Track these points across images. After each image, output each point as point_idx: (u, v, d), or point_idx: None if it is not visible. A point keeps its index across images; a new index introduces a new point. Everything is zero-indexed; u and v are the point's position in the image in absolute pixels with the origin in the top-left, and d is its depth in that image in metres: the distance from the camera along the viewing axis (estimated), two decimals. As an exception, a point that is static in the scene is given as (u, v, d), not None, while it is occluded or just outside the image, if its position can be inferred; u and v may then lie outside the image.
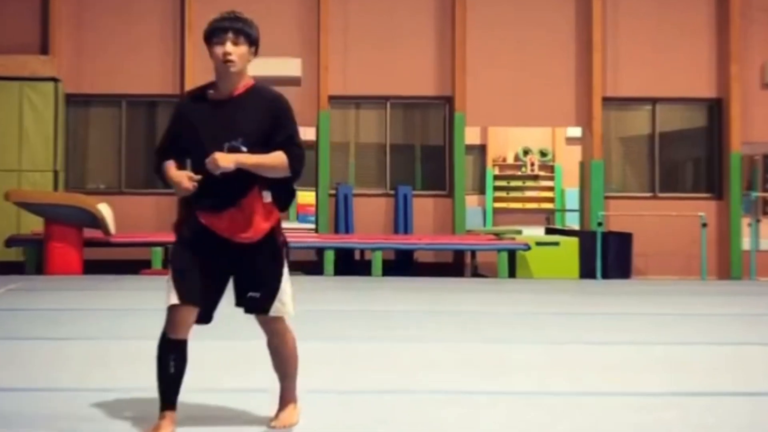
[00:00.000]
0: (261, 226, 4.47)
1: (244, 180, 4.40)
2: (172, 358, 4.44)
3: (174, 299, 4.39)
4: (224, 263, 4.47)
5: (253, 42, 4.51)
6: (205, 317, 4.49)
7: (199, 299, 4.42)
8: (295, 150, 4.42)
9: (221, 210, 4.44)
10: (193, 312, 4.42)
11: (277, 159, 4.40)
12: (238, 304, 4.55)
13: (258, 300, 4.50)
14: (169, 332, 4.42)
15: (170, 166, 4.51)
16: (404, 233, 15.28)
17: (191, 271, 4.43)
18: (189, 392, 4.97)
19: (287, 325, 4.60)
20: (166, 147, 4.59)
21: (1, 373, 6.03)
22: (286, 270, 4.57)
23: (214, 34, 4.48)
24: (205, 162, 4.34)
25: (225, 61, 4.42)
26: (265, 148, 4.40)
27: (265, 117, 4.43)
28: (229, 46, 4.42)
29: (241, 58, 4.44)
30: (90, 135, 15.90)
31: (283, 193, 4.53)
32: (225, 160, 4.32)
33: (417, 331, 8.29)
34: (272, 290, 4.50)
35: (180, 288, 4.40)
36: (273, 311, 4.50)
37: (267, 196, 4.47)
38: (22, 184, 14.53)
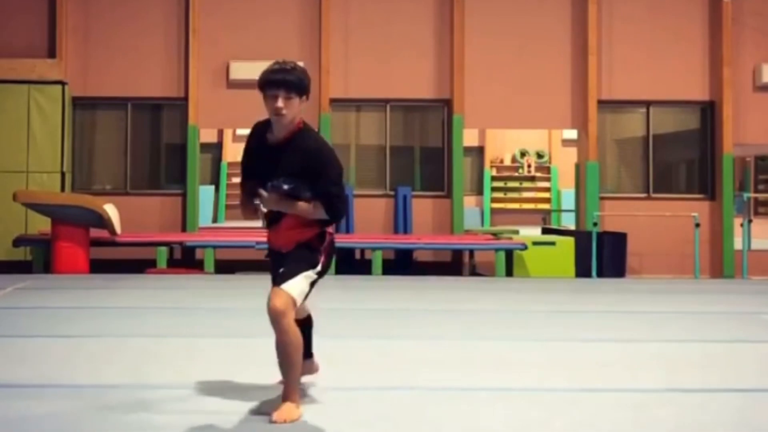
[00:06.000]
0: (295, 239, 4.93)
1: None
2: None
3: None
4: (279, 265, 4.93)
5: (303, 92, 4.84)
6: None
7: None
8: (333, 201, 4.84)
9: (273, 226, 4.98)
10: None
11: (314, 209, 4.86)
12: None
13: (278, 275, 4.81)
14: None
15: (243, 191, 5.05)
16: (404, 233, 15.34)
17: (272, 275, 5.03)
18: (200, 388, 5.18)
19: (290, 318, 4.71)
20: (243, 167, 5.09)
21: (9, 370, 6.08)
22: (312, 272, 4.86)
23: (267, 87, 4.81)
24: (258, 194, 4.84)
25: (276, 115, 4.79)
26: (309, 185, 4.81)
27: (306, 164, 4.81)
28: (280, 102, 4.76)
29: (291, 110, 4.80)
30: (96, 137, 15.98)
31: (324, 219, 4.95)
32: (268, 204, 4.83)
33: (417, 329, 8.31)
34: (293, 272, 4.79)
35: None
36: (284, 285, 4.74)
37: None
38: (30, 185, 14.62)
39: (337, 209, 4.87)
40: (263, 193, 4.81)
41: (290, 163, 4.83)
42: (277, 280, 4.79)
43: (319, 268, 4.89)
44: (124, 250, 14.28)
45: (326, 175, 4.83)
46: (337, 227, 17.10)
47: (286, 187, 4.80)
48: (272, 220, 5.00)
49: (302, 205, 4.86)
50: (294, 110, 4.82)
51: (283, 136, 4.88)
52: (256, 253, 14.44)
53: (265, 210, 4.91)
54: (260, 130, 5.02)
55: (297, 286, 4.76)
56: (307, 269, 4.83)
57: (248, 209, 4.98)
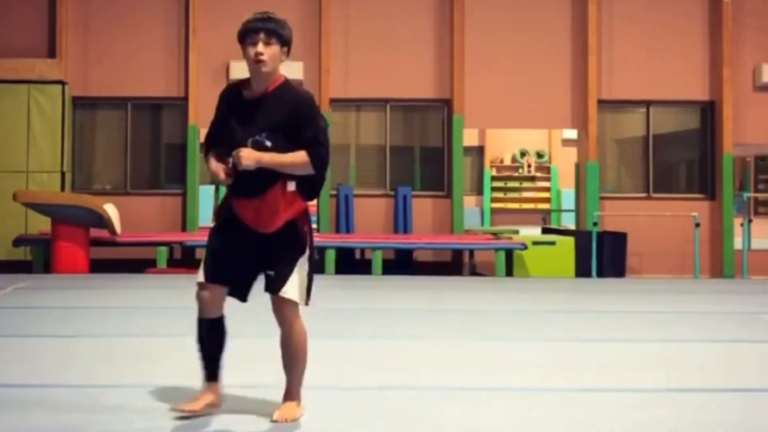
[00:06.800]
0: (281, 217, 4.55)
1: (269, 174, 4.50)
2: (206, 335, 4.67)
3: (200, 278, 4.61)
4: (251, 248, 4.59)
5: (285, 42, 4.60)
6: (239, 295, 4.65)
7: (224, 279, 4.59)
8: (317, 149, 4.51)
9: (248, 200, 4.56)
10: (219, 291, 4.61)
11: (297, 159, 4.49)
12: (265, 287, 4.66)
13: (272, 278, 4.55)
14: (200, 313, 4.64)
15: (212, 157, 4.66)
16: (404, 233, 15.35)
17: (219, 253, 4.62)
18: (198, 388, 5.16)
19: (299, 320, 4.61)
20: (210, 135, 4.74)
21: (10, 369, 6.09)
22: (303, 259, 4.59)
23: (247, 35, 4.56)
24: (232, 155, 4.50)
25: (256, 61, 4.52)
26: (291, 143, 4.49)
27: (290, 116, 4.51)
28: (260, 47, 4.51)
29: (272, 58, 4.54)
30: (96, 137, 15.98)
31: (308, 184, 4.62)
32: (247, 159, 4.44)
33: (417, 328, 8.31)
34: (286, 272, 4.54)
35: (207, 268, 4.61)
36: (283, 292, 4.52)
37: (291, 185, 4.56)
38: (30, 185, 14.61)
39: (323, 158, 4.53)
40: (242, 150, 4.44)
41: (271, 117, 4.51)
42: (275, 286, 4.54)
43: (308, 251, 4.60)
44: (124, 250, 14.27)
45: (315, 124, 4.53)
46: (337, 227, 17.02)
47: (269, 143, 4.48)
48: (248, 189, 4.54)
49: (286, 156, 4.47)
50: (275, 59, 4.54)
51: (262, 90, 4.57)
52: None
53: (249, 167, 4.45)
54: (234, 88, 4.69)
55: (297, 285, 4.56)
56: (297, 258, 4.56)
57: (226, 169, 4.55)
